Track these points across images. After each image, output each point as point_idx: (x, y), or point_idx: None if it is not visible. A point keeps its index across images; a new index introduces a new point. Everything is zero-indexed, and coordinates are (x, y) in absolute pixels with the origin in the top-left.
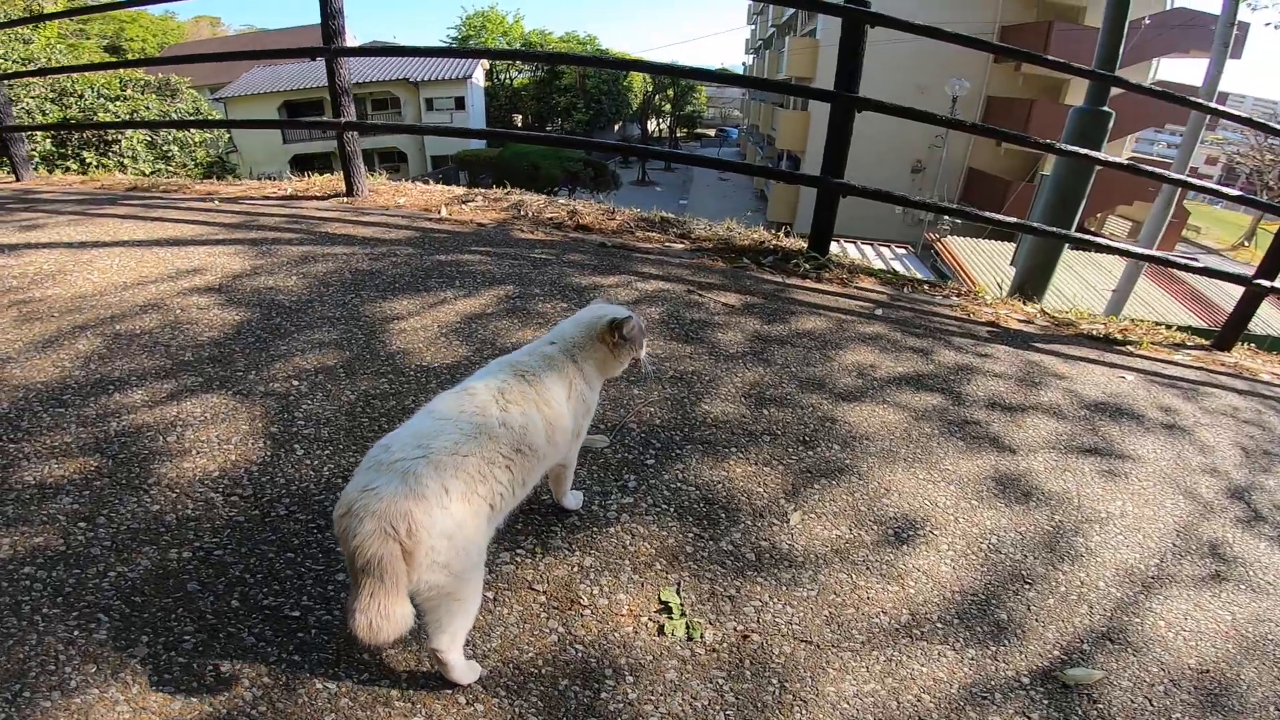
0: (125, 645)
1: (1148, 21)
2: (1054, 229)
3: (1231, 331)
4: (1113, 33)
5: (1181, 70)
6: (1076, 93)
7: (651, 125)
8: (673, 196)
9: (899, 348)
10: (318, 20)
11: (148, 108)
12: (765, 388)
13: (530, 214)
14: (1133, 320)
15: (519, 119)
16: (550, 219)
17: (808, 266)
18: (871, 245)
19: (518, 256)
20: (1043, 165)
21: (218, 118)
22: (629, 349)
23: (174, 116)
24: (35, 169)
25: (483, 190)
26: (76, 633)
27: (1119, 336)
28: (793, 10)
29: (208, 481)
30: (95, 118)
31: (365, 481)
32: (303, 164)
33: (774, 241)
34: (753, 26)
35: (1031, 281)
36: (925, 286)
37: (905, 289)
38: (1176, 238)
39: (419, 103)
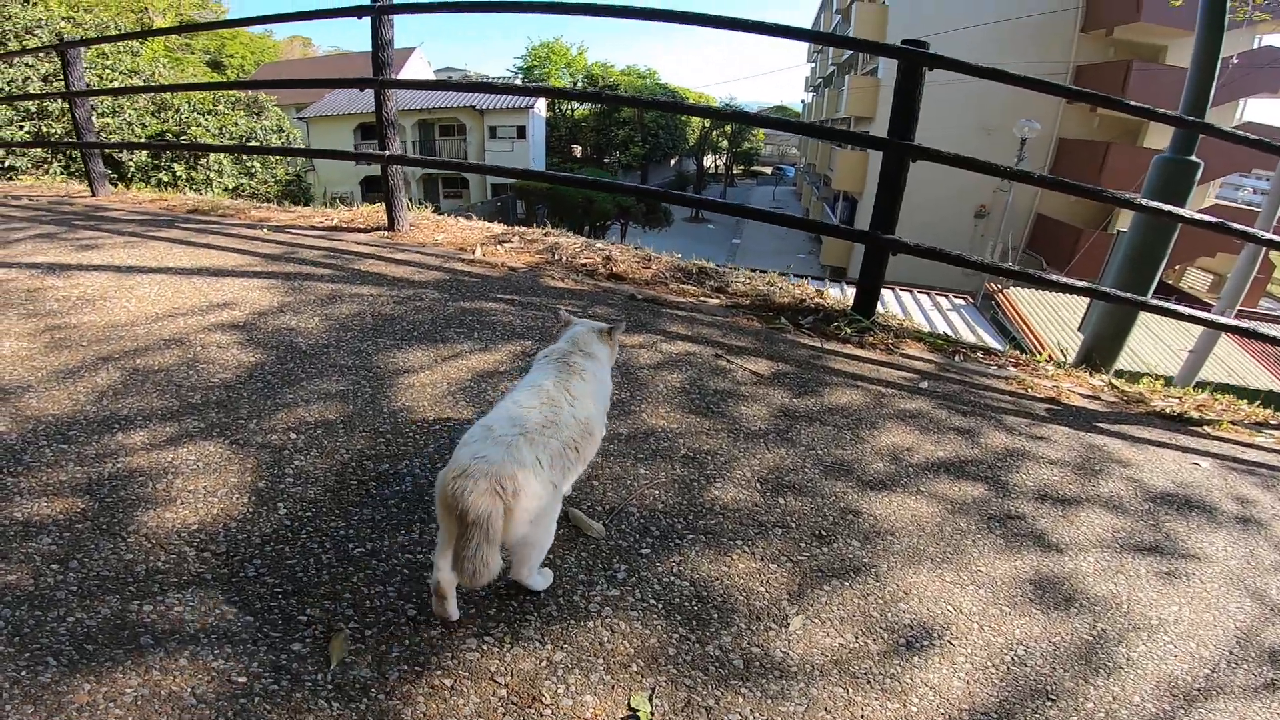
0: (66, 691)
1: (1235, 60)
2: (1128, 295)
3: None
4: (1203, 73)
5: (1270, 111)
6: (1156, 136)
7: (708, 161)
8: (725, 235)
9: (941, 428)
10: (408, 44)
11: (236, 123)
12: (785, 471)
13: (564, 259)
14: (1212, 395)
15: (578, 150)
16: (584, 265)
17: (849, 330)
18: (928, 294)
19: (542, 308)
20: (1117, 216)
21: (276, 144)
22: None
23: (259, 133)
24: (131, 180)
25: (521, 230)
26: (24, 673)
27: (1195, 415)
28: None
29: (185, 534)
30: (189, 131)
31: (475, 451)
32: (373, 185)
33: (816, 299)
34: (813, 64)
35: (1101, 349)
36: (979, 354)
37: (956, 357)
38: (1261, 293)
39: (483, 130)
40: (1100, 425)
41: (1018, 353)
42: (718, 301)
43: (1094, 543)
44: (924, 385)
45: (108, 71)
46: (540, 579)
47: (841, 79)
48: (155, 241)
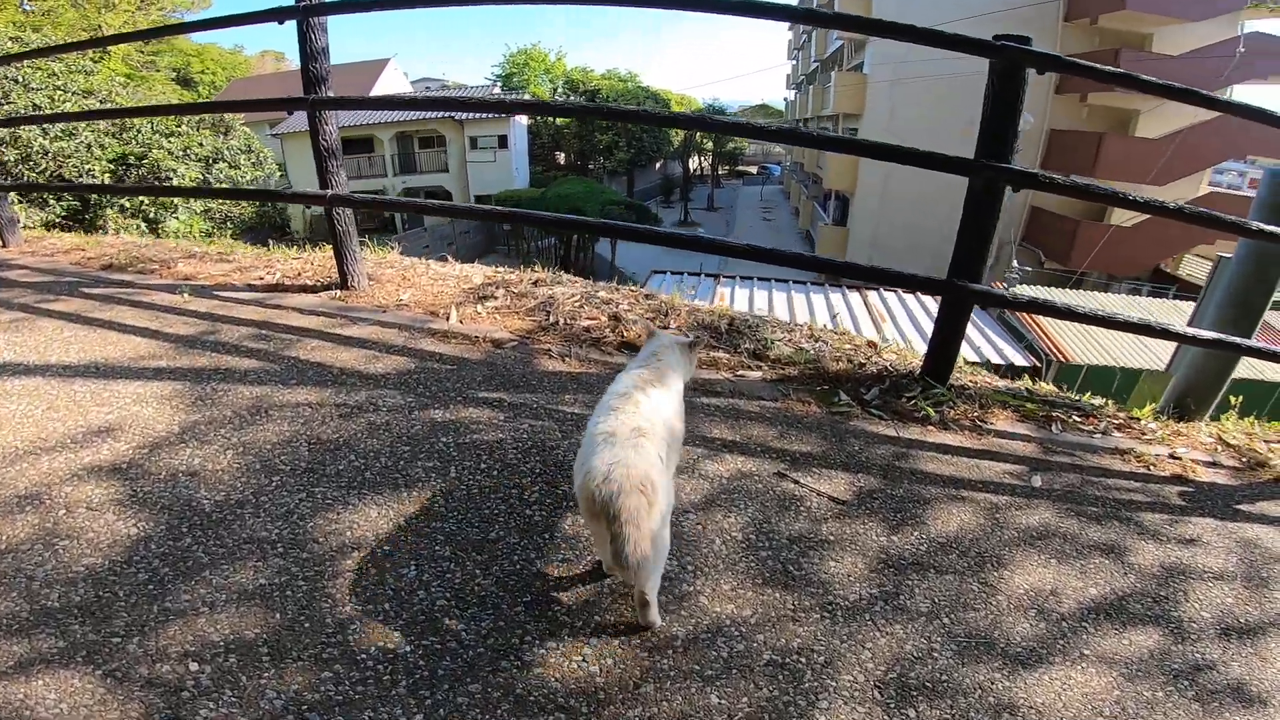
0: None
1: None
2: (1230, 339)
3: None
4: None
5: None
6: (1147, 125)
7: (693, 163)
8: (716, 236)
9: (1079, 549)
10: (382, 55)
11: (201, 144)
12: (908, 663)
13: (561, 320)
14: None
15: (562, 157)
16: (587, 330)
17: (927, 406)
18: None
19: (539, 411)
20: (1112, 211)
21: (245, 164)
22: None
23: (226, 153)
24: (94, 209)
25: (505, 276)
26: None
27: None
28: (839, 44)
29: None
30: (151, 153)
31: (610, 457)
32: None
33: (876, 359)
34: (794, 61)
35: (1196, 394)
36: (1075, 416)
37: (1054, 426)
38: None
39: (464, 140)
40: (1242, 508)
41: (1115, 411)
42: (759, 375)
43: None
44: (1037, 482)
45: (58, 93)
46: (657, 610)
47: (826, 75)
48: (46, 320)
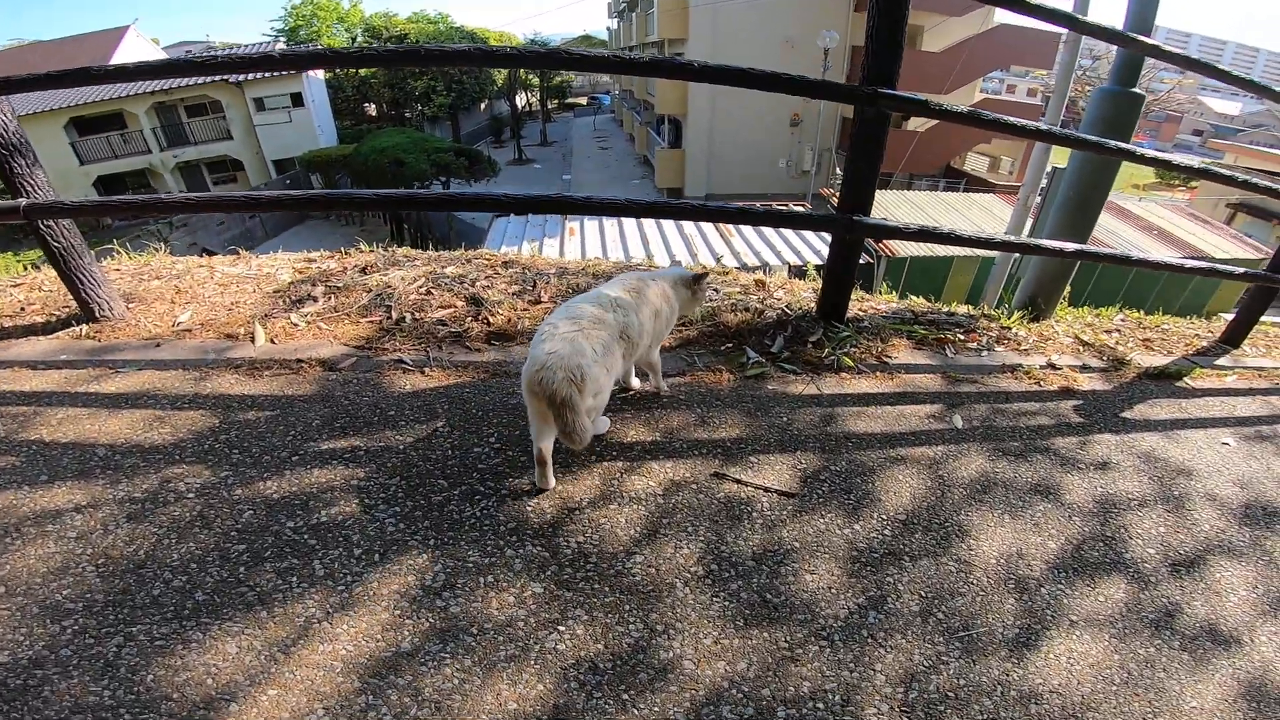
0: None
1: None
2: (1112, 252)
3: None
4: None
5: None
6: (932, 39)
7: (521, 100)
8: (555, 173)
9: (1020, 495)
10: (111, 25)
11: None
12: (922, 675)
13: (409, 317)
14: (1154, 325)
15: (373, 108)
16: (442, 324)
17: (835, 351)
18: (770, 207)
19: (410, 452)
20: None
21: None
22: (700, 298)
23: None
24: None
25: (323, 269)
26: None
27: (1167, 366)
28: None
29: None
30: None
31: (548, 348)
32: (113, 187)
33: (770, 301)
34: None
35: (1044, 293)
36: (958, 334)
37: (947, 350)
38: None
39: (246, 104)
40: (1126, 416)
41: (987, 323)
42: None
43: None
44: (959, 423)
45: None
46: (601, 424)
47: (649, 1)
48: None
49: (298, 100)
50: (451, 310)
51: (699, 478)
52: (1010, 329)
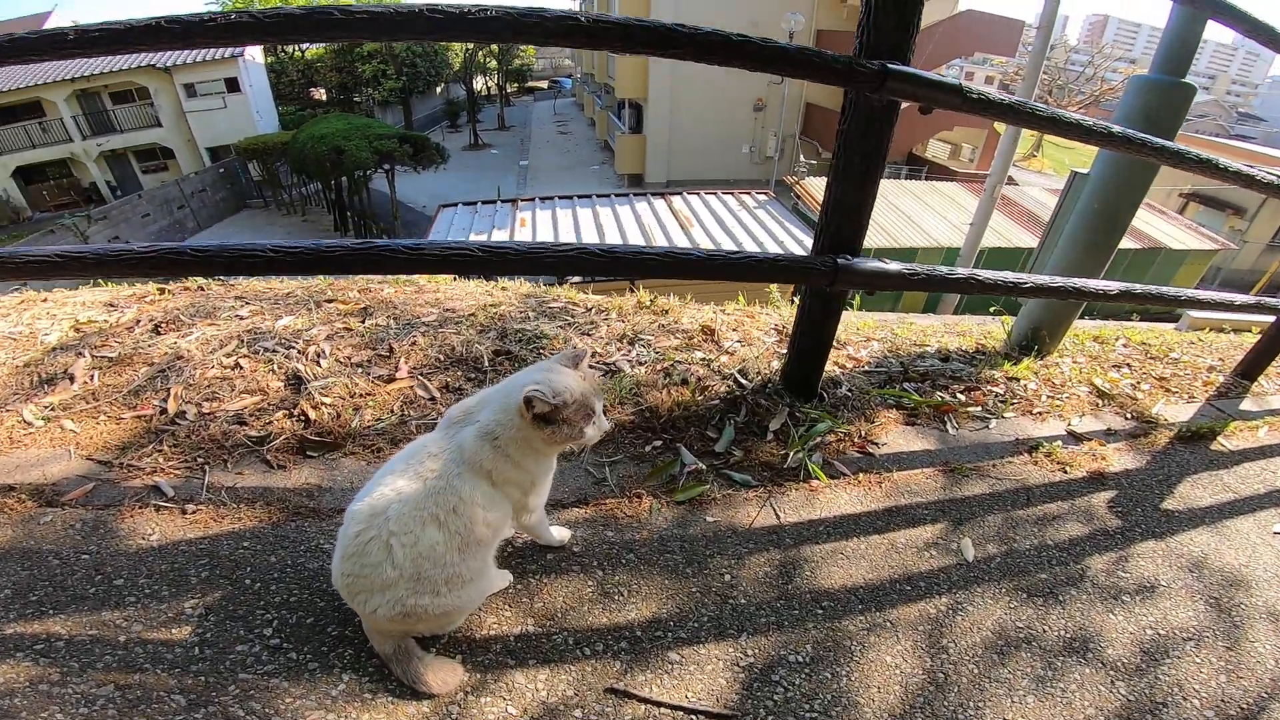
0: None
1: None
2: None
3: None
4: None
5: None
6: None
7: (478, 84)
8: (511, 159)
9: (1051, 662)
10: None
11: None
12: None
13: (192, 408)
14: (1162, 354)
15: (320, 93)
16: (238, 421)
17: (802, 449)
18: (732, 194)
19: (125, 680)
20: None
21: None
22: (561, 429)
23: None
24: None
25: (104, 325)
26: None
27: (1200, 428)
28: None
29: None
30: None
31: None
32: (34, 178)
33: (719, 365)
34: None
35: (1049, 325)
36: (960, 393)
37: (947, 426)
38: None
39: (175, 90)
40: (1167, 507)
41: (990, 372)
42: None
43: None
44: (969, 554)
45: None
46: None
47: None
48: None
49: (233, 86)
50: (258, 399)
51: (587, 698)
52: (1018, 379)
